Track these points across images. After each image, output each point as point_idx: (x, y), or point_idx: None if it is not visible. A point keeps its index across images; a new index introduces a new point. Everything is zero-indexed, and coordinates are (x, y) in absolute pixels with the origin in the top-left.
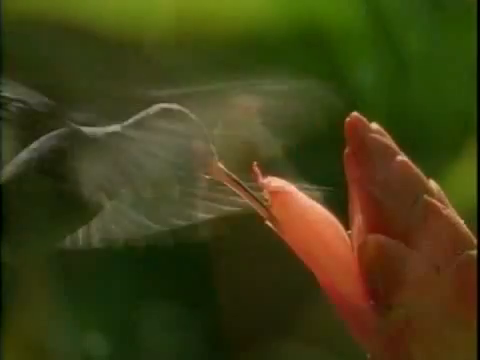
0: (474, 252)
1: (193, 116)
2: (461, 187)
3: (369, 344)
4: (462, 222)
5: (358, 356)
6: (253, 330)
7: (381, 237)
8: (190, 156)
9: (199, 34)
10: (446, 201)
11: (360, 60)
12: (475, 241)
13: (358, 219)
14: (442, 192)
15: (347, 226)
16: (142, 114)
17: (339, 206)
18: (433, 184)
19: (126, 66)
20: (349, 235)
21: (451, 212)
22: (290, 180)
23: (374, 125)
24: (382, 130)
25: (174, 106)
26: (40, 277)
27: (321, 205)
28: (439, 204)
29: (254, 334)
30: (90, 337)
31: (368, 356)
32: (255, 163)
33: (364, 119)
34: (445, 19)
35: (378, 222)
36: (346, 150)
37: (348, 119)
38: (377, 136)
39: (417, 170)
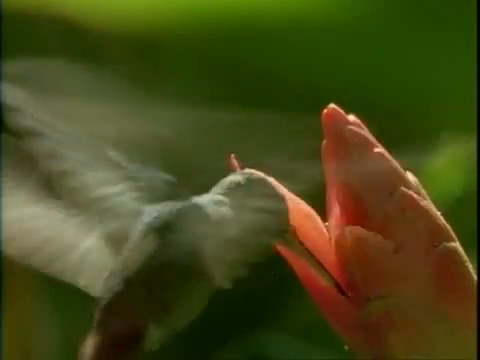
0: (452, 244)
1: (275, 185)
2: (438, 179)
3: (348, 336)
4: (439, 214)
5: (338, 347)
6: (233, 322)
7: (358, 229)
8: (271, 225)
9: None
10: (423, 193)
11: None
12: (452, 233)
13: (335, 211)
14: (419, 184)
15: (324, 218)
16: (230, 182)
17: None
18: (410, 176)
19: None
20: (326, 227)
21: (428, 204)
22: (268, 172)
23: (351, 117)
24: (359, 122)
25: (259, 175)
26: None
27: (298, 197)
28: (416, 196)
29: (234, 326)
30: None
31: (347, 347)
32: (232, 155)
33: (341, 111)
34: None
35: (355, 214)
36: (323, 142)
37: (325, 111)
38: (354, 128)
39: (394, 162)
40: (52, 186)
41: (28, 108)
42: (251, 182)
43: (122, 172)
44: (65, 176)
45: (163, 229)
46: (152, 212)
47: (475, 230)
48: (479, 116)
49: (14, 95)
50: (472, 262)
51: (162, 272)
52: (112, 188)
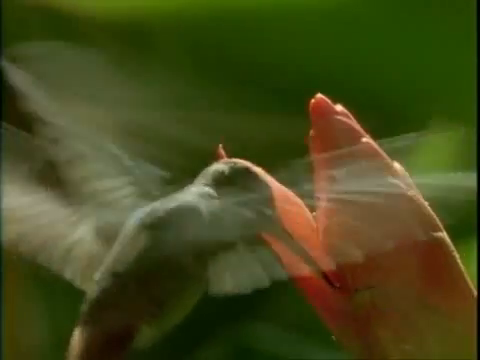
0: (439, 234)
1: (260, 174)
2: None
3: (336, 327)
4: (426, 204)
5: (326, 338)
6: (222, 313)
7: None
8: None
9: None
10: (411, 183)
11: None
12: (439, 223)
13: (323, 201)
14: (407, 174)
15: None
16: (215, 171)
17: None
18: (398, 166)
19: None
20: (314, 217)
21: (415, 194)
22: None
23: (339, 107)
24: (347, 112)
25: (243, 164)
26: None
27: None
28: (403, 185)
29: (224, 317)
30: None
31: (334, 338)
32: (220, 145)
33: (329, 101)
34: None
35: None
36: (311, 132)
37: (313, 101)
38: (342, 118)
39: (382, 152)
40: (48, 174)
41: (33, 93)
42: (235, 172)
43: (119, 166)
44: (62, 166)
45: (156, 226)
46: (144, 208)
47: (464, 221)
48: (479, 109)
49: (20, 79)
50: (460, 252)
51: (155, 269)
52: (107, 182)
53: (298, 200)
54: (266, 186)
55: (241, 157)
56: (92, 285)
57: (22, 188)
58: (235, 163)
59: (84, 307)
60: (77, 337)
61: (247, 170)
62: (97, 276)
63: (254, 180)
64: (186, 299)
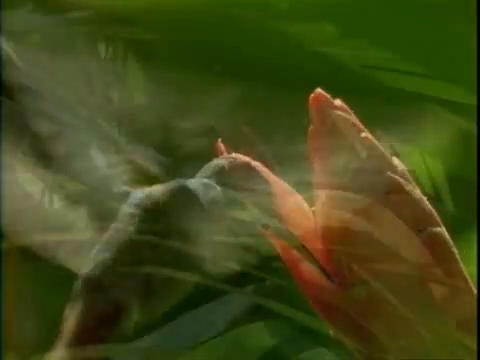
0: (437, 229)
1: (261, 170)
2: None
3: (332, 321)
4: (425, 199)
5: (326, 338)
6: (222, 312)
7: (344, 214)
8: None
9: None
10: (409, 178)
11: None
12: (438, 218)
13: (322, 196)
14: (406, 169)
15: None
16: (215, 166)
17: None
18: (397, 161)
19: None
20: (313, 211)
21: (414, 189)
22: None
23: (338, 101)
24: (346, 107)
25: (243, 159)
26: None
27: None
28: (402, 180)
29: (221, 313)
30: None
31: (331, 332)
32: (220, 140)
33: (328, 95)
34: None
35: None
36: (310, 127)
37: (312, 95)
38: (341, 113)
39: (380, 147)
40: (43, 149)
41: (23, 64)
42: (235, 167)
43: (113, 145)
44: (53, 140)
45: (152, 210)
46: (139, 194)
47: (464, 217)
48: (479, 101)
49: (11, 50)
50: (460, 248)
51: (148, 251)
52: (101, 161)
53: (297, 194)
54: (265, 181)
55: (240, 152)
56: (87, 262)
57: (16, 163)
58: (235, 158)
59: (77, 284)
60: (69, 312)
61: (247, 165)
62: (92, 253)
63: (254, 175)
64: (177, 282)
